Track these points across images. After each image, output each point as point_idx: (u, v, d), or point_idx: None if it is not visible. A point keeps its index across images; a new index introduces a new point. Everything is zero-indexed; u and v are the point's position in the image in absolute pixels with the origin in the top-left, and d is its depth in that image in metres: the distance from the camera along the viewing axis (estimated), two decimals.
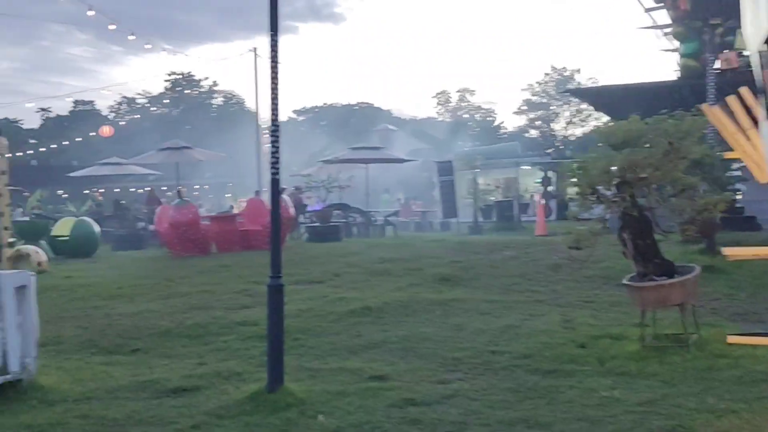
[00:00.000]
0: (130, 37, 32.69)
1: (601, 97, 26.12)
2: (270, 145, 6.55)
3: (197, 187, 48.39)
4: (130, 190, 46.22)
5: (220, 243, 16.02)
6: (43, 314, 6.97)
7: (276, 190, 6.59)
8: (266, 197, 23.40)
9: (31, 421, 5.89)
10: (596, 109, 34.90)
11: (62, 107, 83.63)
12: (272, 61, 6.45)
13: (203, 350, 8.07)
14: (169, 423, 5.89)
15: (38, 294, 6.91)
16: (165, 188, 36.71)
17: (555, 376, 6.55)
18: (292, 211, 16.78)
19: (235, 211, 25.41)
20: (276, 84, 6.51)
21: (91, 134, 54.40)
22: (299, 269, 12.50)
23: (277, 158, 6.52)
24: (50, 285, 11.60)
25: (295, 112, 79.52)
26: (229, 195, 45.17)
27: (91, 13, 26.68)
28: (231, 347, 8.07)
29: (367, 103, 76.68)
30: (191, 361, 7.71)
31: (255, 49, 41.15)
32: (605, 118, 31.59)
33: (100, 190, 48.80)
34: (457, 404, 5.88)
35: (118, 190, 43.08)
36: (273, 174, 6.51)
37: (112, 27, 30.21)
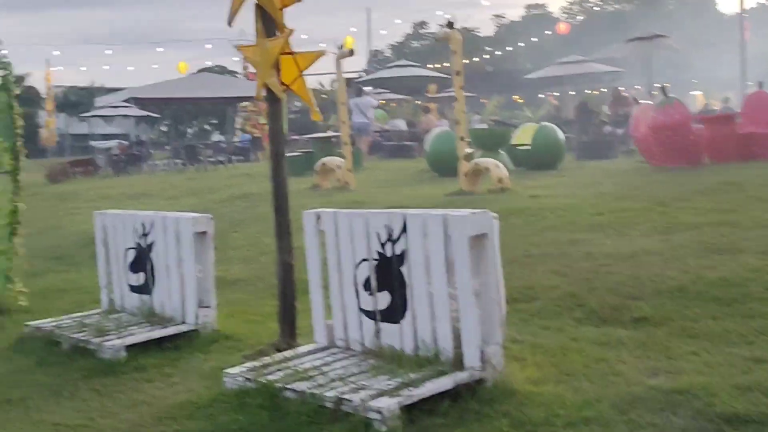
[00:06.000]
0: None
1: None
2: None
3: (657, 85, 44.02)
4: (585, 92, 43.43)
5: (712, 151, 12.65)
6: (506, 251, 4.59)
7: None
8: None
9: None
10: None
11: (516, 14, 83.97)
12: None
13: (749, 329, 5.09)
14: None
15: (499, 220, 4.55)
16: (622, 89, 33.29)
17: None
18: None
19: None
20: None
21: (546, 32, 52.72)
22: None
23: None
24: (514, 208, 9.45)
25: None
26: (698, 92, 40.22)
27: None
28: None
29: None
30: (736, 349, 4.79)
31: None
32: None
33: (554, 94, 46.93)
34: None
35: (573, 93, 40.51)
36: None
37: None
